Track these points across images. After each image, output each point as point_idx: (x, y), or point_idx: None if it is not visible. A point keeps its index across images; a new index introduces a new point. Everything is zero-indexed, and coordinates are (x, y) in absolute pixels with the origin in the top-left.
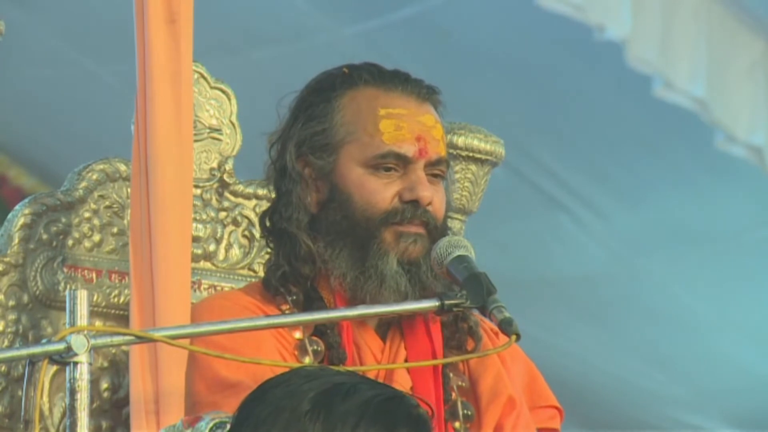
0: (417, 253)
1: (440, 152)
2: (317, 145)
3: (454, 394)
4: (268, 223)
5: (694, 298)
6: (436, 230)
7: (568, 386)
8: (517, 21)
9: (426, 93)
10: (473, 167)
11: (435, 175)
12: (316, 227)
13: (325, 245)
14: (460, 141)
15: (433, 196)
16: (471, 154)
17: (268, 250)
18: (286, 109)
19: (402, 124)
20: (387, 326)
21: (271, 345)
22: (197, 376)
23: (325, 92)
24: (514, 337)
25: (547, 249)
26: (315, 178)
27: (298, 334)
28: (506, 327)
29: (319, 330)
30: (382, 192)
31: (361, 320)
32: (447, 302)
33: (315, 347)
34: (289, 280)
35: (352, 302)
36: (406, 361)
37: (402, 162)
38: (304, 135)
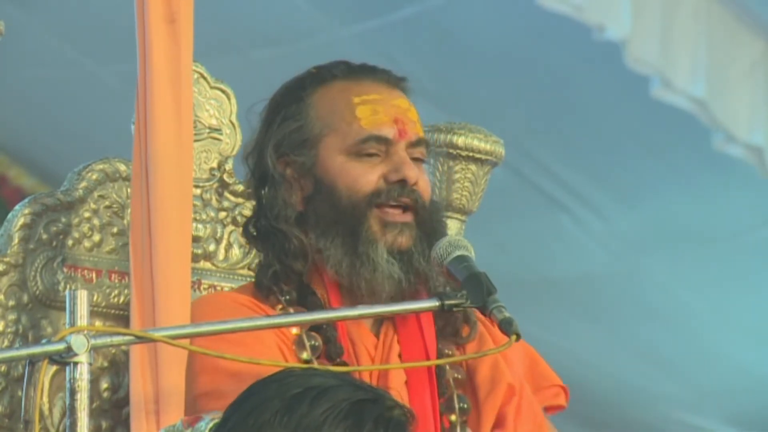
0: (406, 243)
1: (419, 133)
2: (296, 142)
3: (450, 387)
4: (252, 230)
5: (694, 298)
6: (424, 211)
7: (568, 386)
8: (517, 21)
9: (395, 79)
10: (473, 167)
11: (416, 159)
12: (305, 222)
13: (317, 237)
14: (460, 141)
15: (418, 176)
16: (471, 154)
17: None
18: (257, 118)
19: (378, 108)
20: (381, 321)
21: (271, 339)
22: (199, 369)
23: (295, 92)
24: (514, 337)
25: (547, 249)
26: (298, 176)
27: (295, 330)
28: (506, 327)
29: (316, 325)
30: (366, 175)
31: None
32: (447, 302)
33: (313, 342)
34: (280, 279)
35: (346, 293)
36: (399, 355)
37: (384, 145)
38: (281, 135)
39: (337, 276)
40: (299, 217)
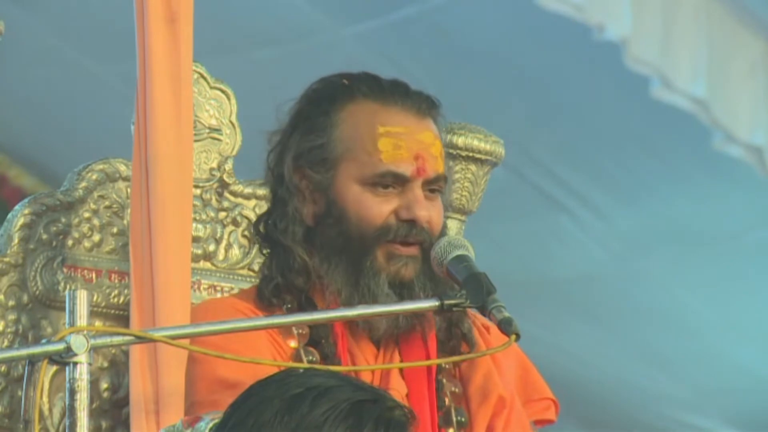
0: (409, 275)
1: (438, 169)
2: (315, 159)
3: (447, 400)
4: (262, 229)
5: (693, 299)
6: (431, 246)
7: (568, 386)
8: (517, 21)
9: (426, 108)
10: (473, 167)
11: (432, 191)
12: (312, 241)
13: (320, 260)
14: (460, 141)
15: (430, 215)
16: (471, 154)
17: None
18: (285, 112)
19: (401, 143)
20: (381, 335)
21: (267, 351)
22: (196, 376)
23: (323, 104)
24: (513, 337)
25: (547, 249)
26: (312, 190)
27: (293, 343)
28: (506, 327)
29: (314, 340)
30: (377, 208)
31: (357, 330)
32: (447, 302)
33: (310, 357)
34: (282, 291)
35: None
36: (400, 368)
37: (400, 181)
38: (302, 148)
39: (335, 303)
40: (306, 234)
